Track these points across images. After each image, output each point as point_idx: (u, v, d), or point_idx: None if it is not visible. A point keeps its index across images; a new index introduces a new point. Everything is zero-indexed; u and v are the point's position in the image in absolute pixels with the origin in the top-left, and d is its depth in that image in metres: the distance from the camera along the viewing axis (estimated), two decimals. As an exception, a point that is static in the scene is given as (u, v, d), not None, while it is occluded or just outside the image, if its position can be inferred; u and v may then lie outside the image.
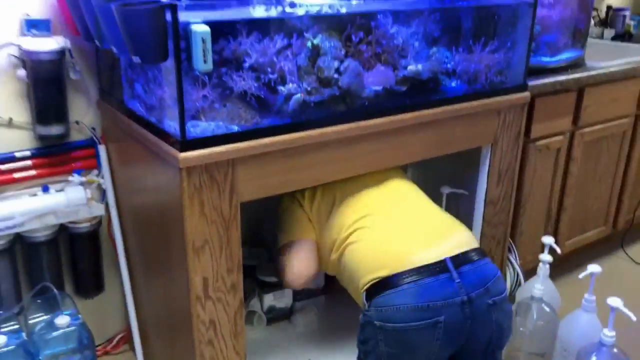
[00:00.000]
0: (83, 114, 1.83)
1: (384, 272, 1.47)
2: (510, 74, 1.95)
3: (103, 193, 1.85)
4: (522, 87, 1.97)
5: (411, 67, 1.75)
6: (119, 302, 2.04)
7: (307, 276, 1.71)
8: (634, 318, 1.69)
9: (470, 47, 1.86)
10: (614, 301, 1.74)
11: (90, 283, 1.91)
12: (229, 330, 1.58)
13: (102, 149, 1.84)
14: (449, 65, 1.84)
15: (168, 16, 1.26)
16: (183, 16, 1.27)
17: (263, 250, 2.17)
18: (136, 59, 1.30)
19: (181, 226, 1.43)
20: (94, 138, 1.84)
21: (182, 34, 1.28)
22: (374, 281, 1.48)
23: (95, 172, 1.86)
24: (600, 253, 2.77)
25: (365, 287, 1.50)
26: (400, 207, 1.66)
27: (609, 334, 1.73)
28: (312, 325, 2.11)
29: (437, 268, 1.46)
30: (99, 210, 1.81)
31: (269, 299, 2.08)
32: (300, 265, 1.70)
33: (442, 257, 1.48)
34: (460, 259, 1.49)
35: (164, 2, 1.25)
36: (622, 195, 2.70)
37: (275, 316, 2.11)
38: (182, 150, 1.36)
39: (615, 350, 1.75)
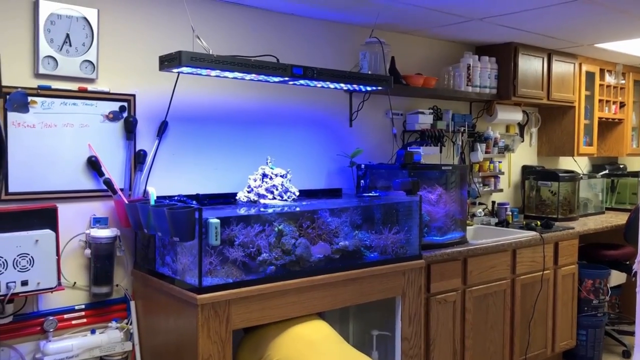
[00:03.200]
0: (121, 279, 2.67)
1: None
2: (410, 248, 2.93)
3: (130, 335, 2.62)
4: (419, 257, 2.94)
5: (342, 243, 2.71)
6: None
7: None
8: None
9: (381, 230, 2.86)
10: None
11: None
12: (222, 423, 2.29)
13: (132, 304, 2.65)
14: (367, 242, 2.82)
15: (196, 214, 2.21)
16: (204, 214, 2.23)
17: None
18: (176, 239, 2.23)
19: (195, 345, 2.23)
20: (127, 296, 2.67)
21: (204, 223, 2.22)
22: None
23: (126, 320, 2.65)
24: (504, 388, 3.54)
25: None
26: (334, 353, 2.43)
27: None
28: None
29: None
30: (128, 346, 2.57)
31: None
32: None
33: None
34: None
35: (195, 207, 2.22)
36: (513, 339, 3.56)
37: None
38: (199, 293, 2.22)
39: None
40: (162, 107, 2.76)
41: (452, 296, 3.20)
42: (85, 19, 2.50)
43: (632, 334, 4.09)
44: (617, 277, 4.52)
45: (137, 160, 2.69)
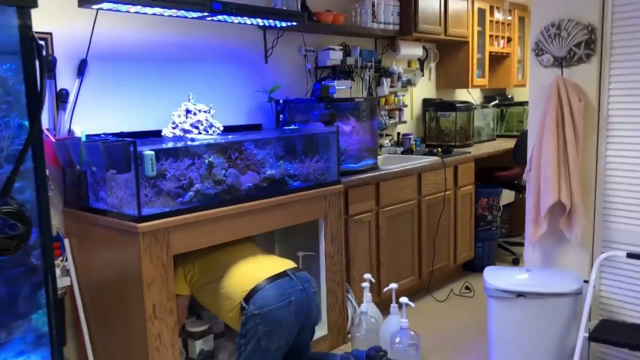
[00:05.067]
0: (52, 218, 2.71)
1: (252, 285, 2.51)
2: (329, 175, 3.16)
3: (67, 271, 2.69)
4: (337, 182, 3.19)
5: (269, 172, 2.89)
6: (75, 352, 2.78)
7: (183, 313, 2.76)
8: (413, 305, 2.84)
9: (303, 160, 3.07)
10: (404, 299, 2.87)
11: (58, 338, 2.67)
12: (169, 341, 2.46)
13: (66, 242, 2.71)
14: (291, 171, 3.02)
15: (131, 147, 2.29)
16: (139, 147, 2.32)
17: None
18: (113, 172, 2.31)
19: (138, 271, 2.36)
20: (59, 234, 2.72)
21: (139, 156, 2.31)
22: (247, 291, 2.49)
23: (61, 257, 2.70)
24: (414, 296, 3.96)
25: (243, 297, 2.50)
26: (252, 257, 2.72)
27: (404, 321, 2.84)
28: (232, 356, 2.91)
29: (282, 274, 2.57)
30: (67, 281, 2.64)
31: (200, 344, 2.90)
32: (181, 314, 2.70)
33: (283, 269, 2.60)
34: (292, 270, 2.63)
35: (129, 140, 2.30)
36: (421, 254, 3.96)
37: (205, 357, 2.92)
38: (139, 222, 2.33)
39: (409, 331, 2.85)
40: (80, 45, 2.75)
41: (368, 217, 3.50)
42: (-6, -47, 2.41)
43: (521, 244, 4.66)
44: (507, 196, 5.07)
45: (59, 99, 2.68)
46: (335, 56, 3.92)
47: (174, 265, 2.59)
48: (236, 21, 3.06)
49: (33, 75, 1.30)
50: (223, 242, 2.69)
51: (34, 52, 1.31)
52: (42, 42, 2.61)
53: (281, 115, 3.49)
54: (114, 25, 2.87)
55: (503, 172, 4.84)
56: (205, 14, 2.77)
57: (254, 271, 2.60)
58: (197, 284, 2.69)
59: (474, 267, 4.55)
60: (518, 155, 4.58)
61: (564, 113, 2.52)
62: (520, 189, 4.77)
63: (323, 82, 3.62)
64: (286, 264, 2.69)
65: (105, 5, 2.50)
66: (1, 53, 1.40)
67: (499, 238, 4.81)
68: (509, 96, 5.97)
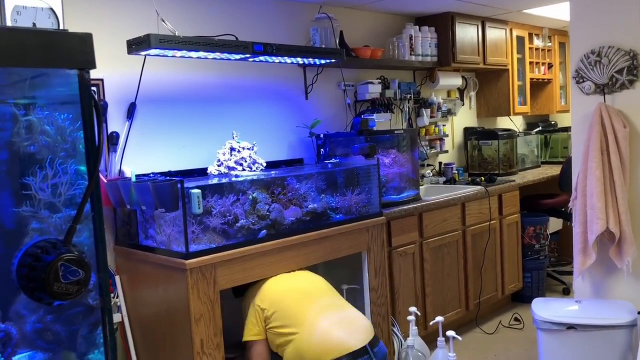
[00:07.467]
0: (105, 256, 2.81)
1: (330, 357, 2.44)
2: (371, 207, 3.18)
3: (118, 308, 2.77)
4: (380, 214, 3.20)
5: (311, 206, 2.94)
6: (126, 391, 2.85)
7: None
8: (460, 339, 2.79)
9: (344, 193, 3.10)
10: (451, 333, 2.83)
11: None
12: (217, 376, 2.49)
13: (117, 279, 2.80)
14: (333, 204, 3.05)
15: (179, 186, 2.38)
16: (186, 185, 2.40)
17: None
18: (162, 210, 2.39)
19: (187, 307, 2.42)
20: (111, 271, 2.81)
21: (187, 194, 2.39)
22: None
23: (113, 294, 2.79)
24: (462, 328, 3.89)
25: None
26: (327, 304, 2.64)
27: (452, 355, 2.80)
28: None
29: (362, 352, 2.48)
30: (118, 318, 2.73)
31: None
32: None
33: (363, 344, 2.50)
34: (372, 344, 2.54)
35: (177, 179, 2.39)
36: (468, 285, 3.90)
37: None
38: (187, 259, 2.40)
39: (458, 365, 2.80)
40: (129, 90, 2.88)
41: (412, 248, 3.49)
42: (52, 9, 2.58)
43: (571, 273, 4.53)
44: (555, 224, 4.96)
45: (111, 142, 2.81)
46: (374, 90, 3.97)
47: (247, 305, 2.63)
48: (277, 61, 3.16)
49: (92, 131, 1.38)
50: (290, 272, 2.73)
51: (93, 111, 1.40)
52: (94, 89, 2.75)
53: (322, 150, 3.55)
54: (161, 70, 3.00)
55: (549, 199, 4.75)
56: (248, 55, 2.87)
57: (331, 336, 2.48)
58: (269, 329, 2.59)
59: (523, 298, 4.44)
60: (564, 182, 4.49)
61: (608, 140, 2.48)
62: (568, 217, 4.66)
63: (363, 116, 3.67)
64: (365, 331, 2.57)
65: (153, 52, 2.62)
66: (60, 104, 1.50)
67: (548, 267, 4.70)
68: (553, 122, 5.89)
